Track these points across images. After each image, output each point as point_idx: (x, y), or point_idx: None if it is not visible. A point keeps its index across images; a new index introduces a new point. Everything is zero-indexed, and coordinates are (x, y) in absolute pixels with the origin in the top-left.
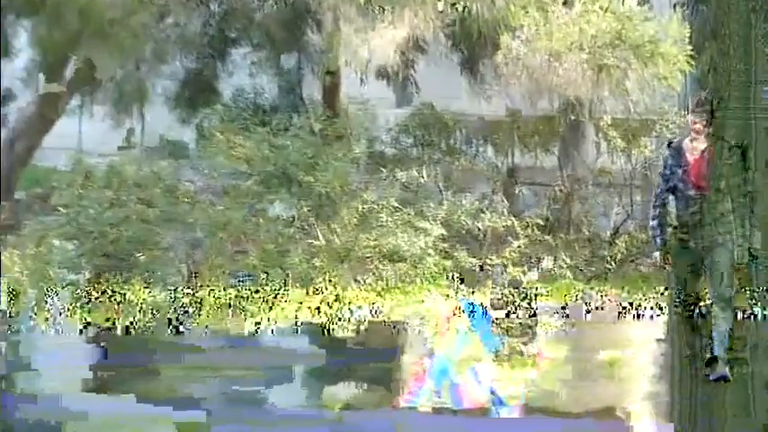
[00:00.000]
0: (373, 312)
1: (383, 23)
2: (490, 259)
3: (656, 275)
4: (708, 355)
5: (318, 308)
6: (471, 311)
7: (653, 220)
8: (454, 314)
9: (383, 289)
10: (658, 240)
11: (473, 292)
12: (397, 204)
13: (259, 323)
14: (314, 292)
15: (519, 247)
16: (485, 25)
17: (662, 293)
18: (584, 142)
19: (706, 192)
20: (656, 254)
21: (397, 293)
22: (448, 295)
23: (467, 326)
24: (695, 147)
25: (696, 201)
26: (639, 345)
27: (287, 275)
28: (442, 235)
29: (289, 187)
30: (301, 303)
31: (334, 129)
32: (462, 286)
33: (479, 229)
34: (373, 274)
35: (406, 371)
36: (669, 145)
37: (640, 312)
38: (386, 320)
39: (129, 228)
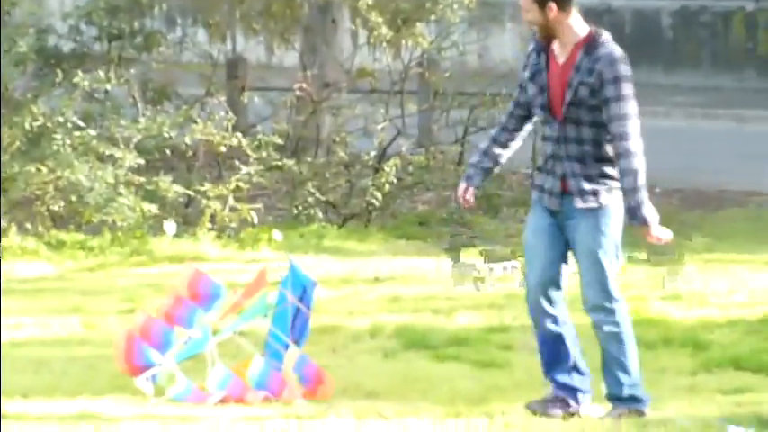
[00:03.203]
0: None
1: None
2: (206, 194)
3: (439, 214)
4: None
5: None
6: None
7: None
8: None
9: (58, 242)
10: (470, 171)
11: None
12: (75, 120)
13: None
14: None
15: (248, 174)
16: None
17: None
18: (336, 32)
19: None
20: (461, 186)
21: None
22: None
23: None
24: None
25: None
26: None
27: None
28: (138, 165)
29: None
30: None
31: None
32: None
33: (187, 146)
34: (44, 219)
35: None
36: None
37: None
38: None
39: None
